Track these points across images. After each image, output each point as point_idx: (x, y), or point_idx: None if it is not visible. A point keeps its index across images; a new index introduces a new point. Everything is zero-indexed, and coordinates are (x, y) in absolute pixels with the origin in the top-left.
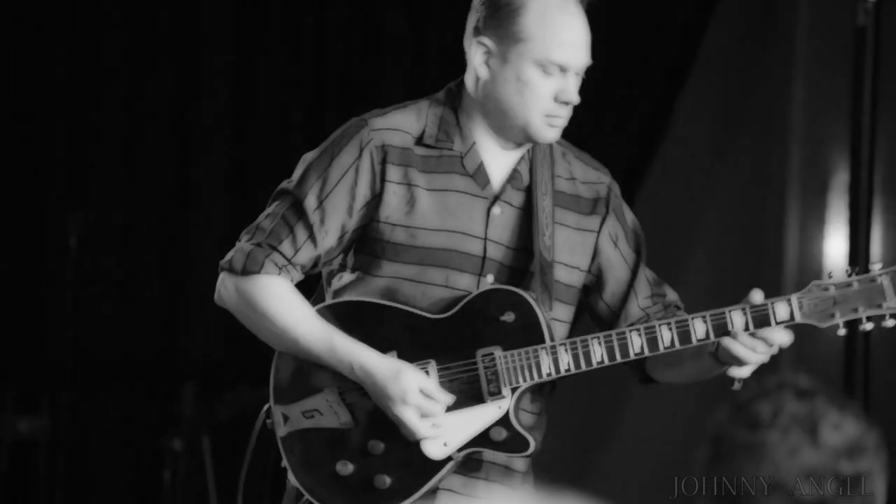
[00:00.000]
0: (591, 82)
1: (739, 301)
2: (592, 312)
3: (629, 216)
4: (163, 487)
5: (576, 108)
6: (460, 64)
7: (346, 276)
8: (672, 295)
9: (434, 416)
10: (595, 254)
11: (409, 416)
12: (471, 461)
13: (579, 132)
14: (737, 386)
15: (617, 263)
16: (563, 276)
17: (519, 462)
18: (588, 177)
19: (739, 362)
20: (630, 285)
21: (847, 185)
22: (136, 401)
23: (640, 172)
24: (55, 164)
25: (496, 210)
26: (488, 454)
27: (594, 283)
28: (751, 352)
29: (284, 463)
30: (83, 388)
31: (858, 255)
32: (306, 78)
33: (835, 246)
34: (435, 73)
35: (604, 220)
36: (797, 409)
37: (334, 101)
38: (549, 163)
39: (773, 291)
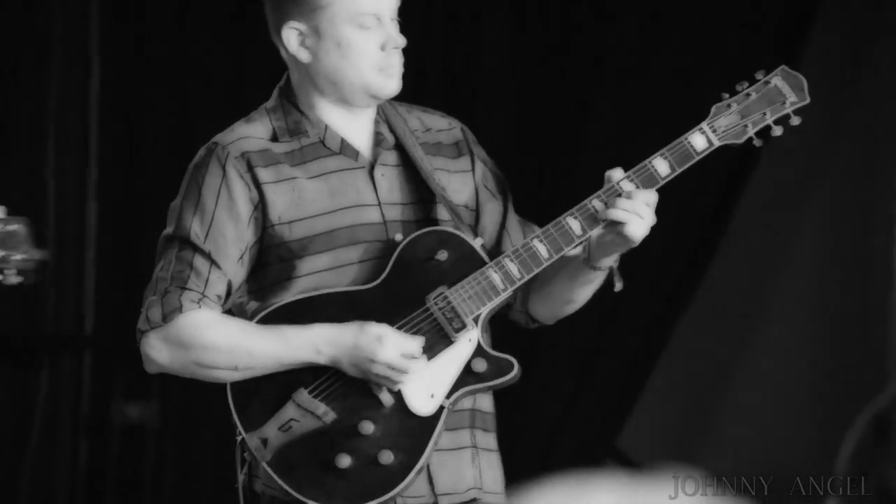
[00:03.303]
0: (698, 68)
1: (849, 296)
2: None
3: (488, 158)
4: None
5: (682, 93)
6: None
7: (260, 294)
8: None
9: (413, 354)
10: (476, 193)
11: (390, 355)
12: (451, 415)
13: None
14: (618, 287)
15: (490, 205)
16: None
17: (486, 403)
18: (440, 124)
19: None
20: (503, 226)
21: None
22: None
23: (747, 163)
24: (159, 155)
25: (378, 174)
26: (461, 403)
27: (473, 226)
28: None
29: (284, 487)
30: None
31: None
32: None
33: None
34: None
35: (472, 161)
36: None
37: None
38: (401, 120)
39: (882, 292)
